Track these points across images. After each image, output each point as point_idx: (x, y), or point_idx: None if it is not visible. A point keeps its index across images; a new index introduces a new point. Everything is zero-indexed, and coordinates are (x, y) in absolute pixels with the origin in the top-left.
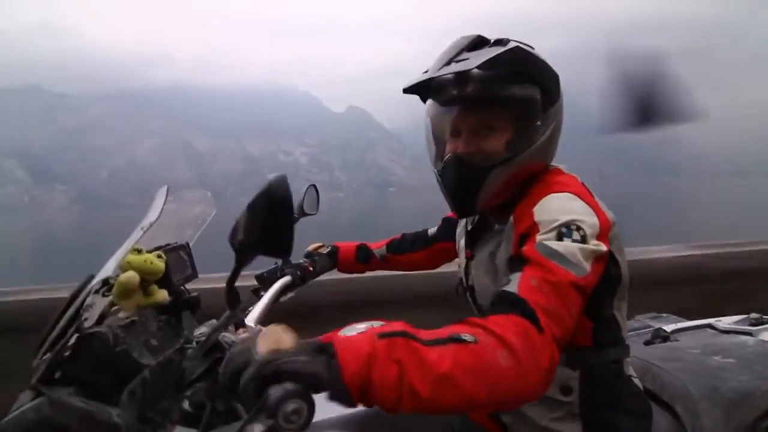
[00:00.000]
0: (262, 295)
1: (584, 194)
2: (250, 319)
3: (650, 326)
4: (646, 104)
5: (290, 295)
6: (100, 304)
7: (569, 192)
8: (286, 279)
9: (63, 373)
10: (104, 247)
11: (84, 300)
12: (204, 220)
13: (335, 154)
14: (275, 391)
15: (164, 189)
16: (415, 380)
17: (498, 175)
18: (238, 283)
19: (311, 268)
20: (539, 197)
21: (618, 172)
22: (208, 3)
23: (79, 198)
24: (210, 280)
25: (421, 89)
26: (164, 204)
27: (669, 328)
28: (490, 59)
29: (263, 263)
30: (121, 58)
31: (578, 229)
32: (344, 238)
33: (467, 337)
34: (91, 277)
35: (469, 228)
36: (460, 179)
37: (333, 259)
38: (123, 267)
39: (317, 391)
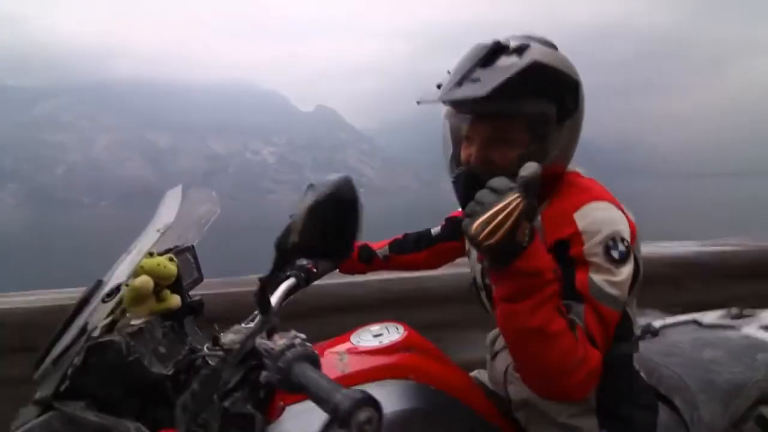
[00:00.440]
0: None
1: (615, 200)
2: None
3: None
4: None
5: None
6: (108, 311)
7: (606, 201)
8: (291, 281)
9: (71, 386)
10: (55, 252)
11: (95, 308)
12: (207, 221)
13: (304, 154)
14: (345, 400)
15: (178, 189)
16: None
17: None
18: (237, 289)
19: (314, 270)
20: (572, 201)
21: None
22: None
23: (30, 197)
24: (205, 285)
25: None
26: (180, 205)
27: (656, 323)
28: (501, 85)
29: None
30: (78, 50)
31: (622, 240)
32: None
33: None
34: (99, 282)
35: None
36: (472, 193)
37: None
38: (135, 271)
39: None
